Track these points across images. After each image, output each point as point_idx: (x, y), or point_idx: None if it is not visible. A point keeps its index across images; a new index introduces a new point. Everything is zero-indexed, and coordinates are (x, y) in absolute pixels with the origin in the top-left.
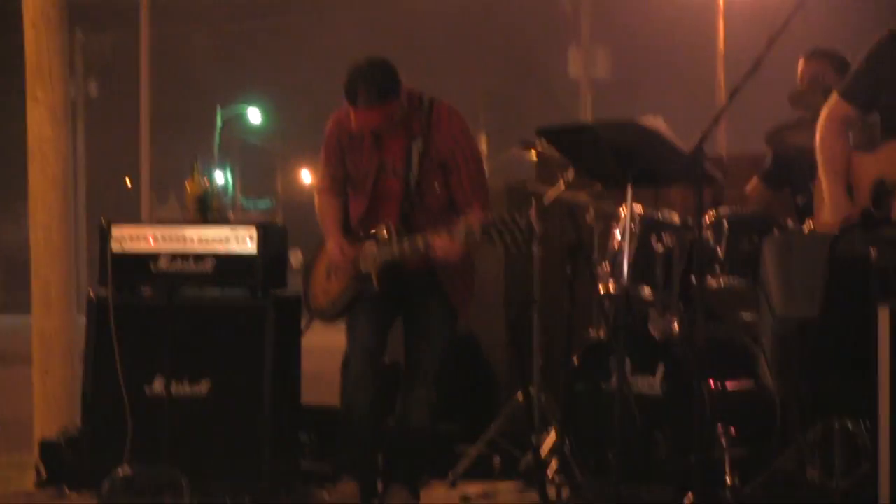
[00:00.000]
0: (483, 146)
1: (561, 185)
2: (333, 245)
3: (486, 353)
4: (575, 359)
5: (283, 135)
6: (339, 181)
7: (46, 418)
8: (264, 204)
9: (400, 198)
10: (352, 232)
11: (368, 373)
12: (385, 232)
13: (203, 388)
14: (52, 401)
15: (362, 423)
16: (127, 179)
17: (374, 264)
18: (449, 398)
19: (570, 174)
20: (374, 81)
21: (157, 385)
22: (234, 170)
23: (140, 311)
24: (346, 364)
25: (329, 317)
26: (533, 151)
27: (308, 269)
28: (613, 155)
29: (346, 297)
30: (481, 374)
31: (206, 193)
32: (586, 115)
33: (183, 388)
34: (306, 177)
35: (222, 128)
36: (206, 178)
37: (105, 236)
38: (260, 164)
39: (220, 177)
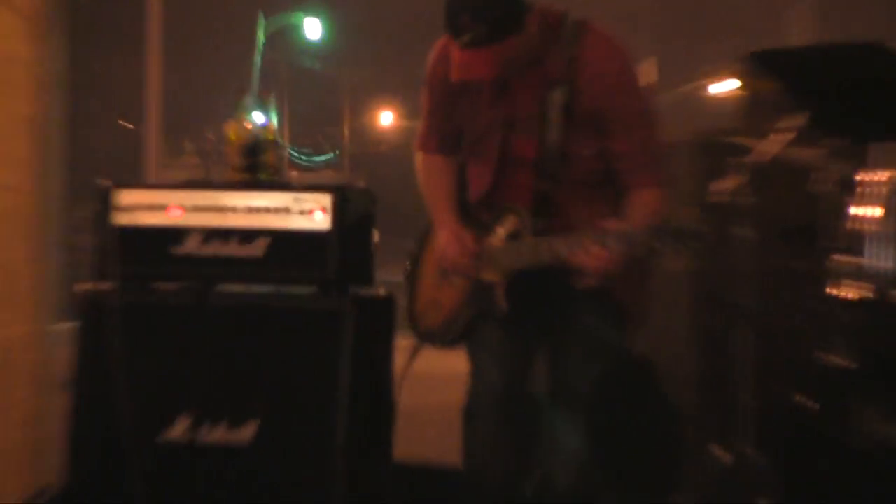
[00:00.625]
0: (651, 77)
1: (780, 137)
2: (448, 235)
3: (665, 387)
4: (802, 396)
5: (354, 58)
6: (449, 137)
7: (4, 474)
8: (325, 158)
9: (534, 170)
10: (470, 215)
11: (502, 429)
12: (515, 222)
13: (247, 433)
14: (12, 449)
15: (496, 496)
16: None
17: (500, 272)
18: (613, 451)
19: (795, 121)
20: (486, 11)
21: (180, 427)
22: (280, 108)
23: (157, 317)
24: (469, 414)
25: (444, 341)
26: (739, 85)
27: (413, 269)
28: (864, 94)
29: (465, 315)
30: (659, 417)
31: (257, 142)
32: (801, 33)
33: (218, 434)
34: (386, 119)
35: (265, 46)
36: (266, 121)
37: (106, 204)
38: (319, 100)
39: (261, 118)
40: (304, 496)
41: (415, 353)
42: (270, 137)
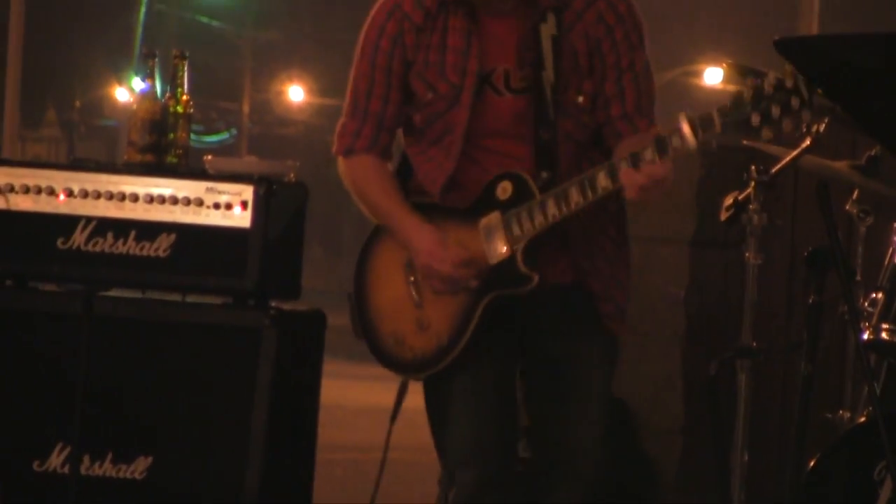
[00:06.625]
0: None
1: (804, 144)
2: (426, 244)
3: (642, 433)
4: (813, 461)
5: (260, 15)
6: (384, 128)
7: None
8: (218, 138)
9: (532, 125)
10: (432, 212)
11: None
12: (510, 188)
13: (139, 468)
14: None
15: None
16: None
17: (511, 244)
18: None
19: (823, 127)
20: None
21: (56, 458)
22: (171, 74)
23: (33, 325)
24: (444, 482)
25: (448, 360)
26: (741, 92)
27: (360, 296)
28: None
29: (472, 325)
30: (635, 465)
31: (165, 116)
32: (811, 22)
33: (103, 468)
34: (295, 95)
35: (151, 1)
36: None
37: None
38: (214, 66)
39: (141, 85)
40: None
41: (403, 391)
42: (181, 110)
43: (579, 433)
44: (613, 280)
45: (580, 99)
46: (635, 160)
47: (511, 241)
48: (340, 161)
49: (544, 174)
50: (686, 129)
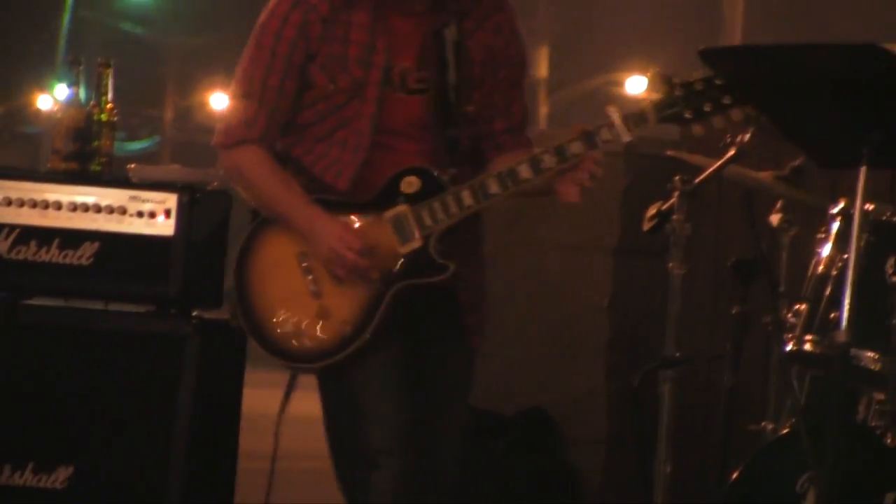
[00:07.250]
0: (542, 71)
1: (729, 154)
2: (333, 230)
3: (565, 443)
4: (736, 472)
5: (185, 22)
6: (276, 121)
7: None
8: (141, 146)
9: (429, 126)
10: (331, 207)
11: (413, 482)
12: (417, 182)
13: (60, 477)
14: None
15: None
16: None
17: (423, 236)
18: None
19: (747, 137)
20: None
21: None
22: (95, 82)
23: None
24: (364, 463)
25: (354, 348)
26: (673, 88)
27: (243, 290)
28: (842, 107)
29: (379, 313)
30: (558, 475)
31: (89, 124)
32: (734, 31)
33: (24, 478)
34: (218, 102)
35: (75, 7)
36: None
37: None
38: (139, 72)
39: (64, 92)
40: None
41: (291, 385)
42: (105, 118)
43: (444, 446)
44: (479, 292)
45: (470, 108)
46: (561, 152)
47: (423, 232)
48: (226, 153)
49: (452, 170)
50: (618, 122)
